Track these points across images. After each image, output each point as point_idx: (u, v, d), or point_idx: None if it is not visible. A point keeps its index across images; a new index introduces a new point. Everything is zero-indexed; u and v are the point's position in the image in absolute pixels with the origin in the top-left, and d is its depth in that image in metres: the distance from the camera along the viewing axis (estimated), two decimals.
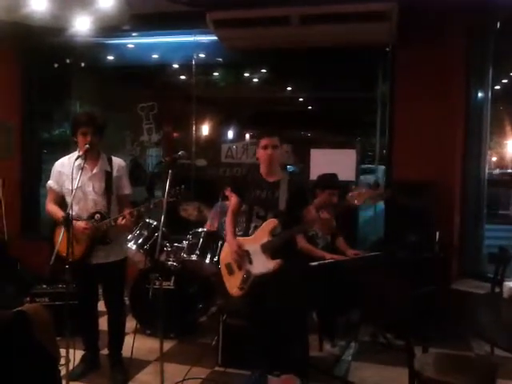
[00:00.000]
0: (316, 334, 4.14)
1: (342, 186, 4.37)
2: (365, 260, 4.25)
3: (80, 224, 3.37)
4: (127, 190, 3.64)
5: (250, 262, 3.30)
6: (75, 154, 3.51)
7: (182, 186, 3.44)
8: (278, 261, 3.17)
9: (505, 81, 7.22)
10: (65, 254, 3.11)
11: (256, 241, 3.27)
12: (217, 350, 3.86)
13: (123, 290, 3.76)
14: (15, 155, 6.22)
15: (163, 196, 3.20)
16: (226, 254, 3.46)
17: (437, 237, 4.62)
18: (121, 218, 3.39)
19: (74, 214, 3.33)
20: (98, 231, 3.42)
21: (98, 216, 3.45)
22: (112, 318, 3.70)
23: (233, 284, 3.40)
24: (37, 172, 6.30)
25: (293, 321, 3.28)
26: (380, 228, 5.12)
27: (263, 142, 3.28)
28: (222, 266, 3.51)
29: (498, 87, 6.33)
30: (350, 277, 4.15)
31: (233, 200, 3.55)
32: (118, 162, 3.63)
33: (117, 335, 3.71)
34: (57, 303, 4.19)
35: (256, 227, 3.30)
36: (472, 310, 3.08)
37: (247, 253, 3.31)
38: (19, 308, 1.52)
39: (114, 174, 3.55)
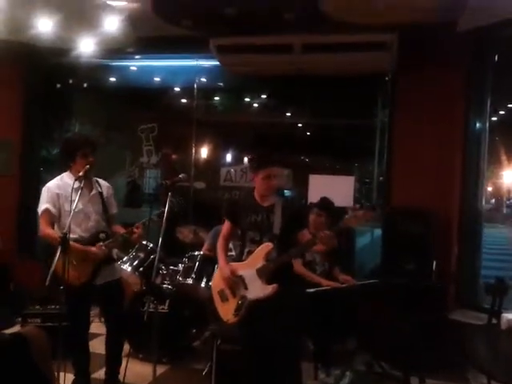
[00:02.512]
0: (311, 361, 4.09)
1: (329, 207, 4.37)
2: (362, 288, 4.23)
3: (92, 248, 3.39)
4: (115, 209, 3.73)
5: (245, 288, 3.23)
6: (66, 175, 3.53)
7: (181, 198, 3.45)
8: (275, 285, 3.12)
9: (502, 112, 7.32)
10: (70, 278, 3.14)
11: (251, 265, 3.21)
12: (210, 376, 3.80)
13: (124, 308, 3.75)
14: (14, 173, 6.22)
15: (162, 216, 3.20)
16: (218, 280, 3.38)
17: (434, 266, 4.61)
18: (135, 230, 3.45)
19: (76, 236, 3.37)
20: (107, 251, 3.45)
21: (102, 235, 3.47)
22: (114, 337, 3.67)
23: (227, 311, 3.31)
24: (35, 190, 6.29)
25: (288, 347, 3.22)
26: (377, 255, 5.11)
27: (266, 172, 3.22)
28: (214, 293, 3.41)
29: (495, 118, 6.42)
30: (347, 304, 4.12)
31: (225, 225, 3.49)
32: (104, 183, 3.71)
33: (116, 356, 3.67)
34: (49, 324, 4.14)
35: (250, 252, 3.25)
36: (469, 341, 3.06)
37: (241, 278, 3.24)
38: (18, 330, 1.50)
39: (105, 194, 3.62)
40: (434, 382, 4.08)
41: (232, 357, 3.69)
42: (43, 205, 3.46)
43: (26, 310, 4.42)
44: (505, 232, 17.95)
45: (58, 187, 3.49)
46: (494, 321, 3.82)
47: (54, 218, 3.47)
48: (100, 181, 3.68)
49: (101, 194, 3.59)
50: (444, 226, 4.81)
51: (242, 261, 3.29)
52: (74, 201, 3.19)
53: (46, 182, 3.59)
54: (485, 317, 4.15)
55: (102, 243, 3.43)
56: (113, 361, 3.67)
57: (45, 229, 3.44)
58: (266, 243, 3.19)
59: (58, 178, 3.55)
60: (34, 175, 6.39)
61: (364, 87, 5.54)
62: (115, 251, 3.78)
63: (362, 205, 3.05)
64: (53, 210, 3.45)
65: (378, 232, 5.17)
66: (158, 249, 3.02)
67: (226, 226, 3.48)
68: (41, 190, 3.53)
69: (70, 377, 3.56)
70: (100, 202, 3.56)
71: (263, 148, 4.78)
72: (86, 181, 3.46)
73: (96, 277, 3.46)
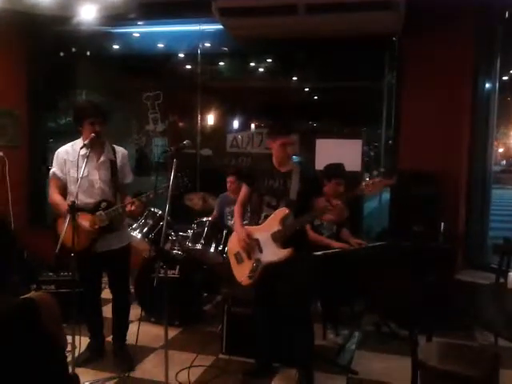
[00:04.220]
0: (320, 322, 4.16)
1: (348, 175, 4.37)
2: (370, 250, 4.25)
3: (86, 219, 3.38)
4: (130, 178, 3.68)
5: (260, 251, 3.28)
6: (78, 141, 3.52)
7: (186, 179, 3.43)
8: (290, 249, 3.16)
9: None
10: (70, 244, 3.13)
11: (266, 229, 3.25)
12: (221, 337, 3.89)
13: (129, 275, 3.80)
14: (22, 144, 6.25)
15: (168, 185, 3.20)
16: (235, 243, 3.43)
17: (442, 227, 4.62)
18: (129, 205, 3.40)
19: (79, 203, 3.36)
20: (105, 220, 3.43)
21: (104, 204, 3.47)
22: (118, 304, 3.75)
23: (242, 273, 3.37)
24: (43, 161, 6.36)
25: (301, 310, 3.27)
26: (385, 218, 5.12)
27: (283, 140, 3.24)
28: (230, 256, 3.48)
29: (505, 78, 6.28)
30: (355, 266, 4.16)
31: (243, 190, 3.51)
32: (120, 150, 3.66)
33: (122, 322, 3.75)
34: (63, 290, 4.25)
35: (266, 216, 3.28)
36: (476, 301, 3.09)
37: (257, 241, 3.29)
38: (27, 295, 1.54)
39: (118, 162, 3.58)
40: (441, 340, 4.14)
41: (242, 319, 3.77)
42: (52, 168, 3.55)
43: (39, 277, 4.52)
44: None
45: (67, 153, 3.52)
46: (502, 280, 3.85)
47: (61, 183, 3.52)
48: (117, 148, 3.63)
49: (113, 161, 3.54)
50: (452, 188, 4.80)
51: (259, 225, 3.32)
52: (80, 168, 3.21)
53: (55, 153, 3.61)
54: (492, 277, 4.17)
55: (102, 212, 3.43)
56: (118, 326, 3.75)
57: (52, 194, 3.52)
58: (283, 208, 3.21)
59: (71, 143, 3.57)
60: (42, 146, 6.44)
61: (371, 49, 5.43)
62: (126, 219, 3.80)
63: (379, 172, 2.97)
64: (59, 173, 3.51)
65: (386, 196, 5.17)
66: (166, 214, 3.03)
67: (243, 191, 3.51)
68: (49, 161, 3.56)
69: (85, 340, 3.68)
70: (109, 169, 3.52)
71: (273, 114, 4.74)
72: (96, 148, 3.45)
73: (95, 245, 3.47)
